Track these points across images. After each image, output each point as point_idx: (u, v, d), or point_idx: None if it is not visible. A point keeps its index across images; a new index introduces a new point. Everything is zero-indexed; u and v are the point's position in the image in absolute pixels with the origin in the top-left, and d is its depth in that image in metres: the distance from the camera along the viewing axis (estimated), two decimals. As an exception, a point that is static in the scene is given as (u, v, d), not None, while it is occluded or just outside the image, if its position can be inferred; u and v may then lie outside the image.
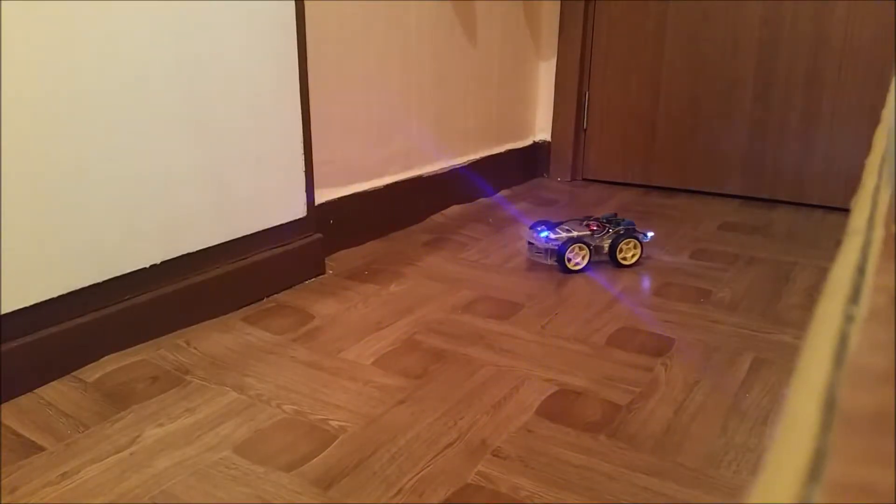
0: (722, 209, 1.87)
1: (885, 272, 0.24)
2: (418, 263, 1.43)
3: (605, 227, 1.42)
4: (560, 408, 0.91)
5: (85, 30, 0.92)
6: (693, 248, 1.55)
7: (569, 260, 1.38)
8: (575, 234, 1.40)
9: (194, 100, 1.08)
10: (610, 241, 1.41)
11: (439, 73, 1.73)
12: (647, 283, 1.35)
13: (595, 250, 1.41)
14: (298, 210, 1.30)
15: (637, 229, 1.44)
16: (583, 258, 1.39)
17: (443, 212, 1.79)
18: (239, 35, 1.13)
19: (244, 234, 1.20)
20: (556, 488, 0.75)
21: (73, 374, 0.97)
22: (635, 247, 1.42)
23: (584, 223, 1.43)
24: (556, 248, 1.38)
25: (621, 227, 1.43)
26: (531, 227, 1.43)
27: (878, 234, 0.27)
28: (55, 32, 0.89)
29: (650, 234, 1.45)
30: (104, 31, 0.94)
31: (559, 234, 1.39)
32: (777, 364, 1.03)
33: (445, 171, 1.80)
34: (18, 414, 0.88)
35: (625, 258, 1.41)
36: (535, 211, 1.85)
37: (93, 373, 0.98)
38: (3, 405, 0.89)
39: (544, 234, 1.39)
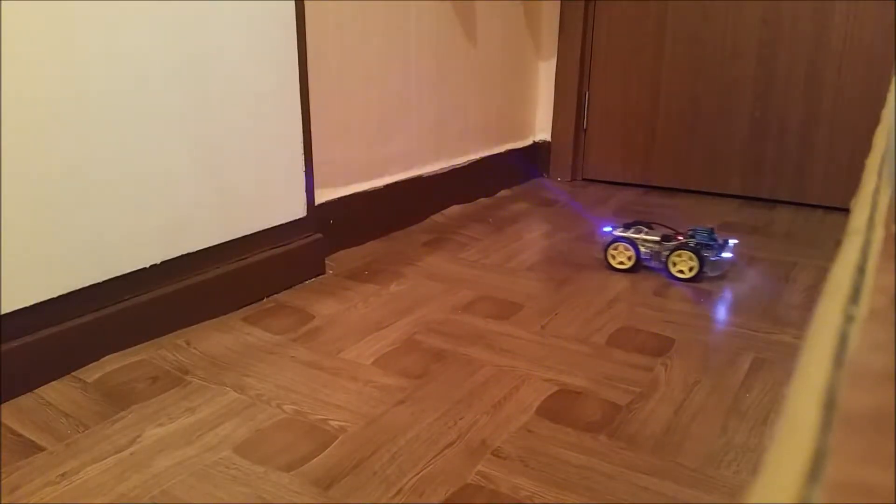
0: (722, 209, 1.87)
1: (885, 272, 0.24)
2: (418, 263, 1.43)
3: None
4: (560, 408, 0.91)
5: (85, 30, 0.92)
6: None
7: (613, 257, 1.39)
8: (633, 235, 1.39)
9: (194, 100, 1.08)
10: (669, 251, 1.36)
11: (439, 73, 1.73)
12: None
13: (655, 257, 1.38)
14: (298, 210, 1.30)
15: (711, 245, 1.35)
16: (628, 259, 1.38)
17: (443, 212, 1.79)
18: (239, 35, 1.13)
19: (244, 234, 1.20)
20: (556, 488, 0.75)
21: (73, 374, 0.97)
22: (690, 258, 1.33)
23: (677, 234, 1.39)
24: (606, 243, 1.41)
25: (693, 241, 1.36)
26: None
27: (878, 234, 0.27)
28: (55, 32, 0.89)
29: (725, 255, 1.36)
30: (104, 31, 0.94)
31: (621, 232, 1.41)
32: (777, 364, 1.03)
33: (445, 171, 1.80)
34: (18, 414, 0.88)
35: (681, 271, 1.34)
36: (536, 211, 1.85)
37: (93, 373, 0.98)
38: (3, 405, 0.89)
39: (607, 228, 1.43)
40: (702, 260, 1.33)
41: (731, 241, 1.39)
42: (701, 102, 1.98)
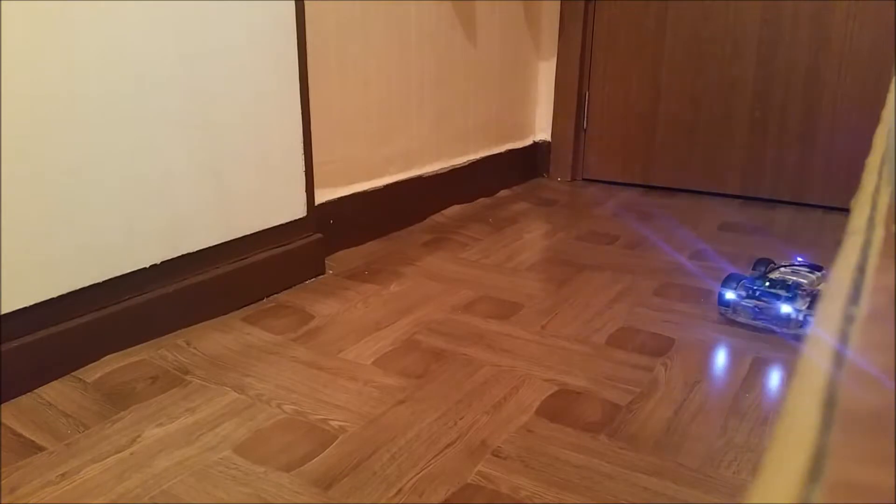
0: (722, 209, 1.87)
1: (885, 272, 0.24)
2: (418, 263, 1.43)
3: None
4: (560, 408, 0.91)
5: (85, 29, 0.92)
6: (693, 248, 1.55)
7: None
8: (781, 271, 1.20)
9: (194, 100, 1.08)
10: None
11: (439, 73, 1.73)
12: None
13: None
14: (298, 210, 1.30)
15: (757, 294, 1.14)
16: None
17: (443, 212, 1.79)
18: (239, 35, 1.13)
19: (244, 234, 1.20)
20: (556, 488, 0.75)
21: (73, 374, 0.97)
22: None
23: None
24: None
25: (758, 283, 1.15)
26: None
27: (878, 234, 0.27)
28: (55, 32, 0.89)
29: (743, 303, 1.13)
30: (104, 31, 0.94)
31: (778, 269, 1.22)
32: (777, 364, 1.03)
33: (445, 171, 1.80)
34: (18, 414, 0.88)
35: None
36: (536, 211, 1.85)
37: (93, 373, 0.98)
38: (3, 405, 0.89)
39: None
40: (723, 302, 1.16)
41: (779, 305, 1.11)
42: (701, 102, 1.98)
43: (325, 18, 1.37)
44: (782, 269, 1.20)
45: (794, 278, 1.16)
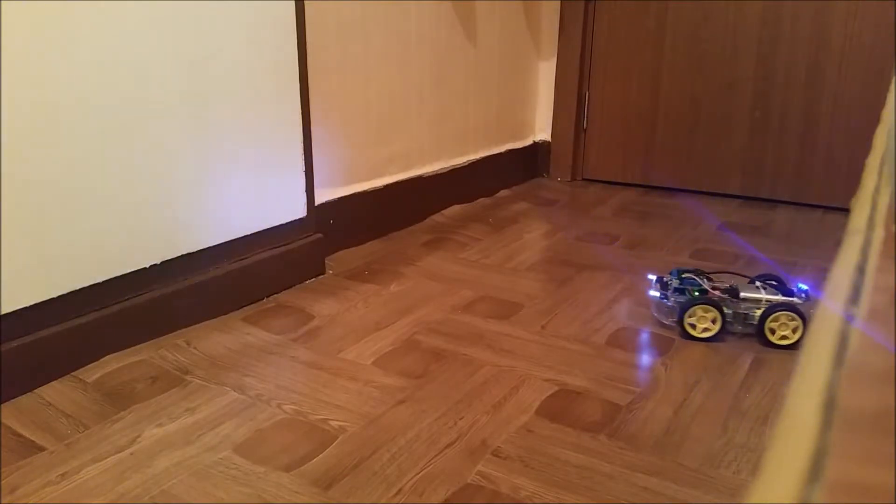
0: (722, 209, 1.87)
1: (885, 272, 0.24)
2: (418, 263, 1.43)
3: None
4: (560, 408, 0.91)
5: (85, 30, 0.92)
6: (693, 248, 1.55)
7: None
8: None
9: (194, 100, 1.08)
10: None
11: (439, 73, 1.73)
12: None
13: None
14: (298, 210, 1.30)
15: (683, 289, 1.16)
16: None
17: (443, 212, 1.79)
18: (239, 35, 1.13)
19: (244, 234, 1.20)
20: (556, 488, 0.75)
21: (73, 374, 0.97)
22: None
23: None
24: None
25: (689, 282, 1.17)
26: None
27: (878, 234, 0.27)
28: (56, 33, 0.89)
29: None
30: (104, 32, 0.94)
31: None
32: (777, 364, 1.03)
33: (445, 171, 1.80)
34: (18, 414, 0.88)
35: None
36: (536, 211, 1.85)
37: (93, 373, 0.98)
38: (3, 405, 0.89)
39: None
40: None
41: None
42: (701, 102, 1.98)
43: (325, 18, 1.37)
44: (758, 282, 1.18)
45: (725, 284, 1.16)
